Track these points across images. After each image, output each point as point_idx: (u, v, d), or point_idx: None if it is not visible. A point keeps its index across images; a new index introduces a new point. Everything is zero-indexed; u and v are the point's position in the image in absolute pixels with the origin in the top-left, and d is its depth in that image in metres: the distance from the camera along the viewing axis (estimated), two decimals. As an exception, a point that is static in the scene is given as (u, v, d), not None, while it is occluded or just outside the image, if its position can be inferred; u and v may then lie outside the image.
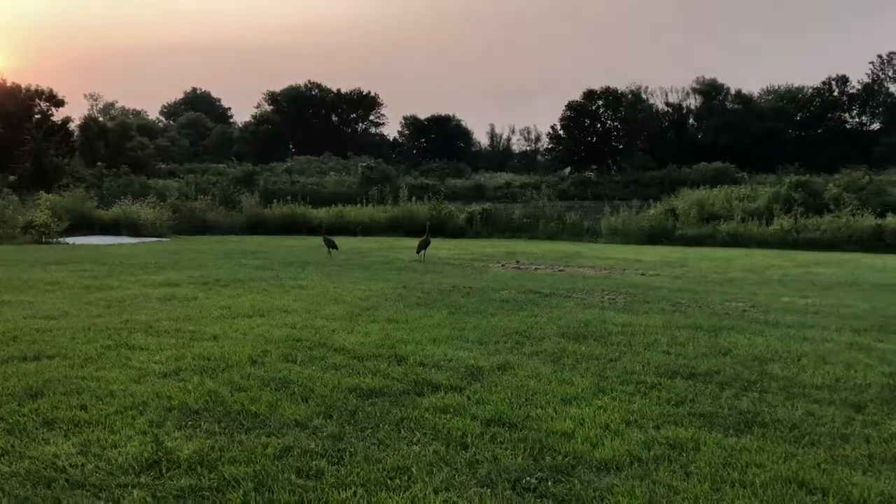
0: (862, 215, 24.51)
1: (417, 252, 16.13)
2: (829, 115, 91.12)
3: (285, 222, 28.30)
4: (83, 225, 25.89)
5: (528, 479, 3.82)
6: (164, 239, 23.91)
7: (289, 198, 30.62)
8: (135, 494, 3.53)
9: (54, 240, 22.15)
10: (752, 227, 24.71)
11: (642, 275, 13.94)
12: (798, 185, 32.09)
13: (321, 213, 29.19)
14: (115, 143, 65.63)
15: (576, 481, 3.79)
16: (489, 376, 5.83)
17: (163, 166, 67.14)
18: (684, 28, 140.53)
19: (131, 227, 25.71)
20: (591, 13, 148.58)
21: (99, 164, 53.22)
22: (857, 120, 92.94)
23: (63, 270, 12.71)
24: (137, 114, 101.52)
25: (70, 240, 22.46)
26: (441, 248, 18.25)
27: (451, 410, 4.88)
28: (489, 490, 3.67)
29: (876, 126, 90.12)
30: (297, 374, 5.64)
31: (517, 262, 16.29)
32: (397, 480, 3.76)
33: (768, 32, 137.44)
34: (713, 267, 15.69)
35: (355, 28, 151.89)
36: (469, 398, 5.20)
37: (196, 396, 5.01)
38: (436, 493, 3.63)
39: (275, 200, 30.50)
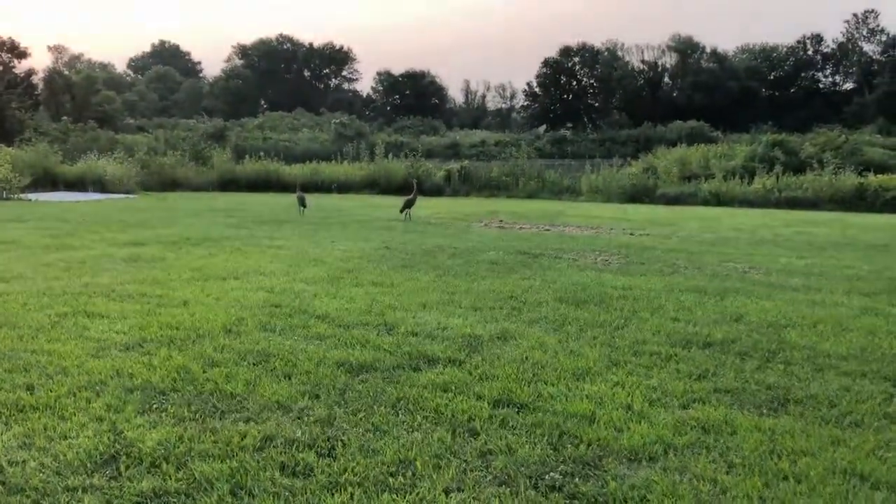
0: (844, 174, 24.19)
1: (401, 211, 15.51)
2: (803, 74, 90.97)
3: (258, 179, 27.39)
4: (46, 181, 24.85)
5: (551, 474, 3.28)
6: (131, 195, 22.98)
7: (262, 154, 29.59)
8: (85, 501, 2.94)
9: (15, 196, 21.12)
10: (734, 186, 24.31)
11: (631, 234, 13.45)
12: (775, 143, 31.70)
13: (295, 171, 28.28)
14: (80, 96, 63.48)
15: (607, 477, 3.26)
16: (489, 347, 5.28)
17: (131, 121, 65.25)
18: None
19: (98, 184, 24.68)
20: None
21: (64, 118, 51.30)
22: (830, 79, 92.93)
23: (21, 228, 11.94)
24: (104, 67, 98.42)
25: (32, 196, 21.46)
26: (421, 206, 17.56)
27: (453, 388, 4.34)
28: (508, 490, 3.14)
29: (849, 86, 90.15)
30: (278, 346, 5.05)
31: (500, 220, 15.74)
32: (400, 478, 3.20)
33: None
34: (702, 226, 15.24)
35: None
36: (470, 373, 4.66)
37: (162, 373, 4.40)
38: (446, 493, 3.09)
39: (247, 157, 29.47)
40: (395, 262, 9.08)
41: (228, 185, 27.03)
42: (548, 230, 14.07)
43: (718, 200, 23.62)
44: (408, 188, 26.04)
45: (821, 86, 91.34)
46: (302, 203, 16.00)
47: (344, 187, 26.70)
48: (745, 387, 4.60)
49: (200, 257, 9.09)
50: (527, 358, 5.03)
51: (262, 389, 4.19)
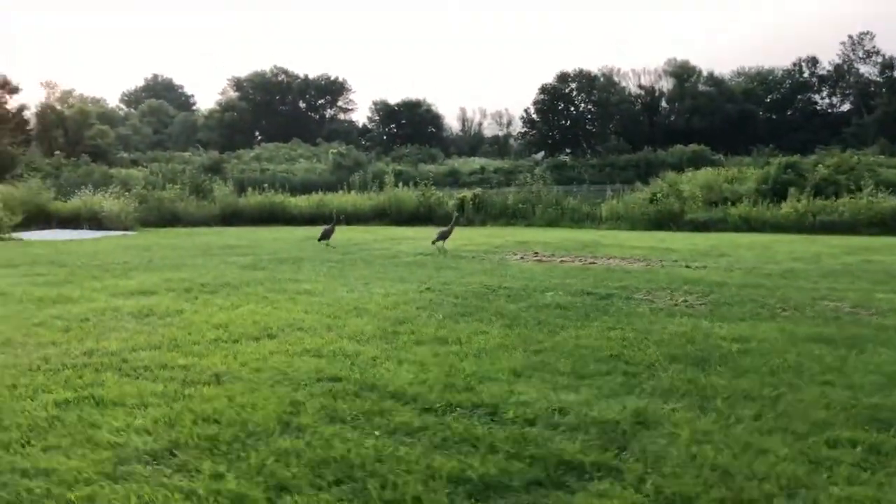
0: (877, 196, 22.99)
1: (434, 242, 14.31)
2: (800, 96, 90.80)
3: (262, 212, 26.10)
4: (39, 218, 23.53)
5: None
6: (130, 232, 21.60)
7: (266, 185, 28.36)
8: None
9: (7, 235, 19.74)
10: (764, 211, 23.09)
11: (687, 267, 12.14)
12: (787, 166, 30.58)
13: (301, 202, 27.03)
14: (73, 131, 62.56)
15: None
16: (636, 440, 3.95)
17: (125, 155, 64.08)
18: (656, 7, 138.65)
19: (93, 220, 23.33)
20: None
21: (57, 153, 50.12)
22: (827, 101, 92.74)
23: (12, 275, 10.56)
24: (97, 101, 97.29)
25: (25, 235, 20.10)
26: (442, 238, 16.32)
27: (636, 523, 3.00)
28: None
29: (846, 107, 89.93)
30: (359, 450, 3.69)
31: (535, 253, 14.42)
32: None
33: (740, 11, 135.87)
34: (757, 256, 13.93)
35: (323, 9, 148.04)
36: (638, 490, 3.32)
37: (214, 509, 3.05)
38: None
39: (248, 189, 28.24)
40: (448, 309, 7.75)
41: (231, 218, 25.73)
42: (593, 263, 12.76)
43: (749, 226, 22.37)
44: (419, 218, 25.01)
45: (818, 107, 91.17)
46: (327, 236, 15.17)
47: (352, 219, 25.43)
48: None
49: (222, 309, 7.74)
50: (697, 458, 3.70)
51: (365, 536, 2.84)
